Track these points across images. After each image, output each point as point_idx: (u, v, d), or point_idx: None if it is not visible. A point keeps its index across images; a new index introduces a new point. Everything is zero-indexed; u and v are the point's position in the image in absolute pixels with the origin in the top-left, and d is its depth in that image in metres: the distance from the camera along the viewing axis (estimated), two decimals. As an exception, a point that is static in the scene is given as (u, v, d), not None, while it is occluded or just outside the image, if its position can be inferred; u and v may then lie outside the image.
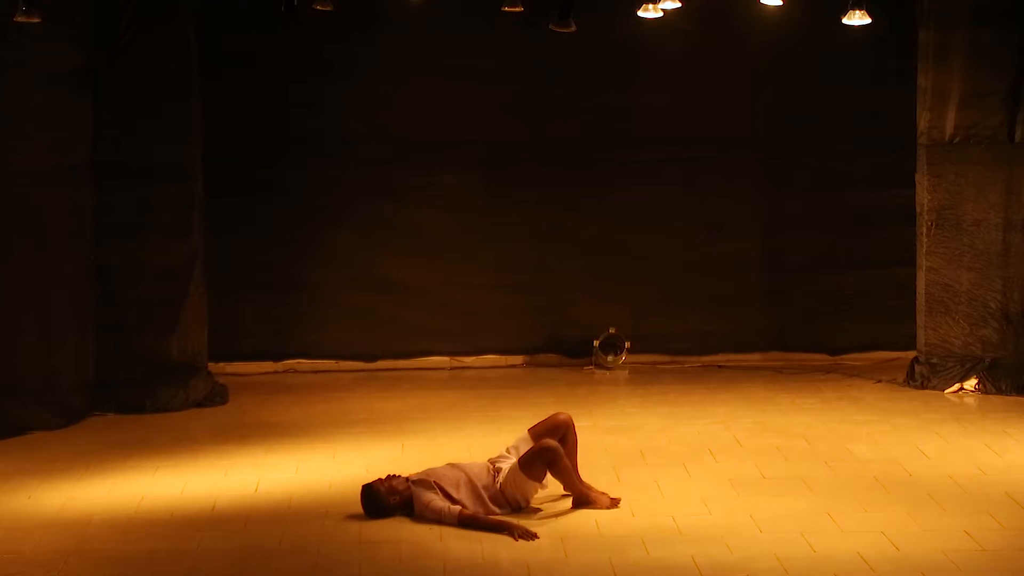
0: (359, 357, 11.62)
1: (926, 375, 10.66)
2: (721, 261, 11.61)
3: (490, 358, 11.66)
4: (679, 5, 9.64)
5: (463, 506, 7.72)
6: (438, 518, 7.69)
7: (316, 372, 11.56)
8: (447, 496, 7.76)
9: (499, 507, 7.82)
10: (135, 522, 7.91)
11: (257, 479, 8.64)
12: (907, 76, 10.73)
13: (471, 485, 7.82)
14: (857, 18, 9.40)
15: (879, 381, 10.94)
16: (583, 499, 7.90)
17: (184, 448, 9.41)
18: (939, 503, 7.94)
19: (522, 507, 7.86)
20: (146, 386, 10.40)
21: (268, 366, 11.58)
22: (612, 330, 11.50)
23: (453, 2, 10.97)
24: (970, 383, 10.53)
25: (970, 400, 10.38)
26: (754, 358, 11.61)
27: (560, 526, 7.65)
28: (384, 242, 11.55)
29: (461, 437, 9.47)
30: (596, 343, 11.51)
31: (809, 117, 11.50)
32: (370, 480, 7.95)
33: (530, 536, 7.47)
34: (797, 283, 11.62)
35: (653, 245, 11.62)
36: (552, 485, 7.98)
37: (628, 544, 7.34)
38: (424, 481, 7.84)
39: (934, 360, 10.64)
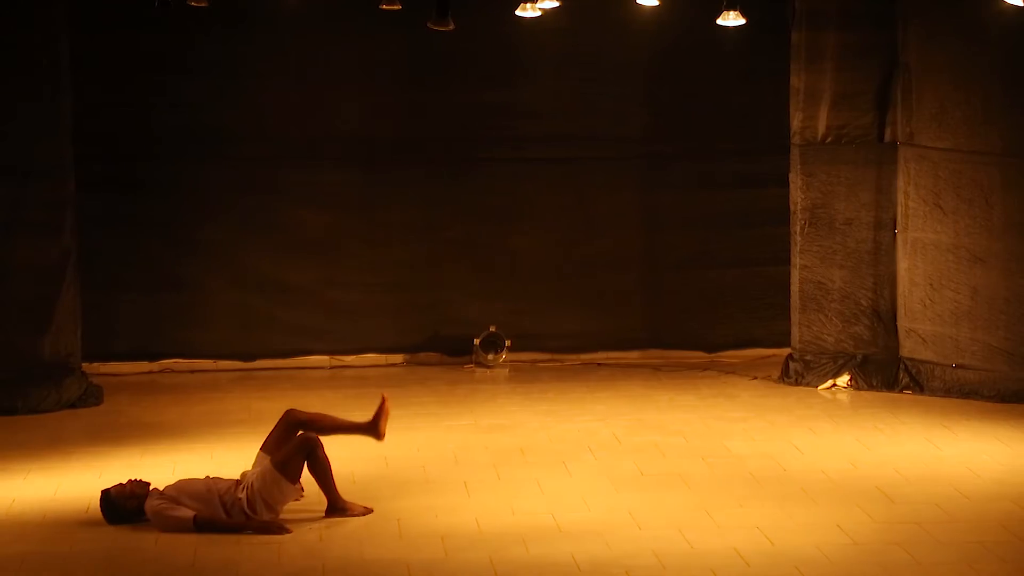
0: (237, 356, 11.51)
1: (800, 372, 10.83)
2: (599, 259, 11.69)
3: (370, 357, 11.62)
4: (558, 4, 9.71)
5: (196, 511, 7.59)
6: (170, 525, 7.56)
7: (193, 372, 11.43)
8: (177, 503, 7.62)
9: (234, 516, 7.61)
10: (6, 525, 7.76)
11: (133, 481, 8.52)
12: (781, 76, 10.89)
13: (207, 495, 7.65)
14: (731, 19, 9.55)
15: (754, 378, 11.09)
16: (337, 504, 7.79)
17: (57, 450, 9.25)
18: (812, 498, 8.08)
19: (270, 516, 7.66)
20: (17, 387, 10.21)
21: (144, 366, 11.43)
22: (492, 328, 11.53)
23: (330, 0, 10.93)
24: (843, 379, 10.72)
25: (842, 396, 10.57)
26: (632, 356, 11.71)
27: (440, 524, 7.65)
28: (262, 241, 11.45)
29: (341, 437, 9.41)
30: (476, 341, 11.53)
31: (685, 117, 11.62)
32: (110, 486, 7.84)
33: (284, 530, 7.47)
34: (674, 281, 11.73)
35: (532, 244, 11.66)
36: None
37: (508, 542, 7.36)
38: (156, 490, 7.74)
39: (808, 357, 10.82)
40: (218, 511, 7.61)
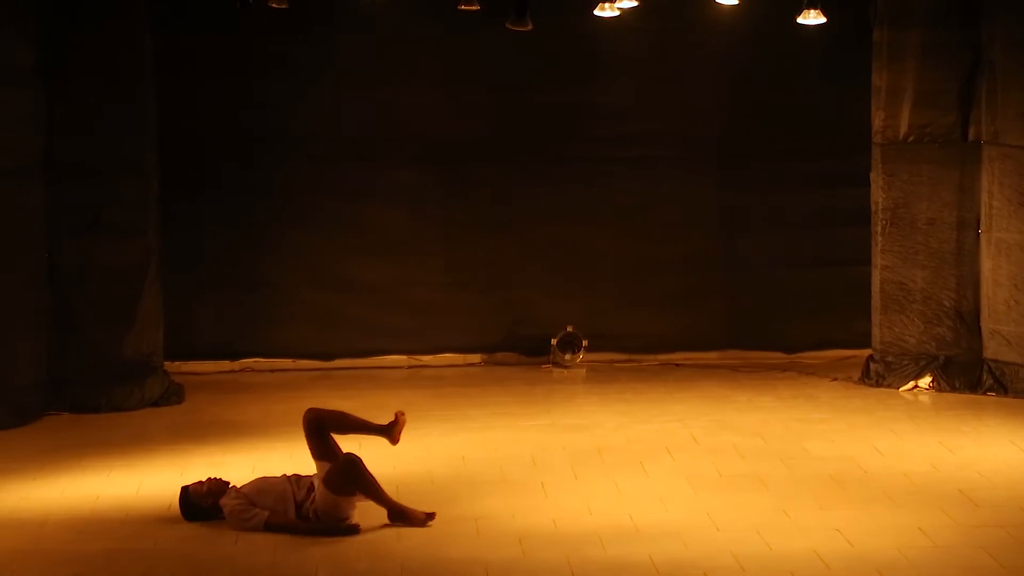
0: (316, 356, 11.59)
1: (881, 373, 10.73)
2: (677, 259, 11.65)
3: (448, 356, 11.65)
4: (636, 4, 9.70)
5: (270, 512, 7.62)
6: (242, 525, 7.60)
7: (273, 371, 11.52)
8: (251, 504, 7.66)
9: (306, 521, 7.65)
10: (90, 522, 7.86)
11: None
12: (862, 75, 10.80)
13: (282, 496, 7.68)
14: (812, 17, 9.48)
15: (835, 379, 11.00)
16: (394, 510, 7.73)
17: (140, 447, 9.36)
18: (894, 500, 8.00)
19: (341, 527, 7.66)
20: (101, 385, 10.34)
21: (225, 365, 11.54)
22: (570, 328, 11.52)
23: (410, 1, 10.97)
24: (924, 381, 10.61)
25: (924, 398, 10.46)
26: (711, 356, 11.65)
27: (517, 524, 7.66)
28: (341, 241, 11.53)
29: (419, 436, 9.46)
30: (554, 341, 11.53)
31: (764, 116, 11.55)
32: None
33: (354, 530, 7.51)
34: (753, 282, 11.67)
35: (610, 243, 11.64)
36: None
37: (585, 542, 7.35)
38: (234, 488, 7.79)
39: (889, 358, 10.71)
40: (291, 513, 7.66)
